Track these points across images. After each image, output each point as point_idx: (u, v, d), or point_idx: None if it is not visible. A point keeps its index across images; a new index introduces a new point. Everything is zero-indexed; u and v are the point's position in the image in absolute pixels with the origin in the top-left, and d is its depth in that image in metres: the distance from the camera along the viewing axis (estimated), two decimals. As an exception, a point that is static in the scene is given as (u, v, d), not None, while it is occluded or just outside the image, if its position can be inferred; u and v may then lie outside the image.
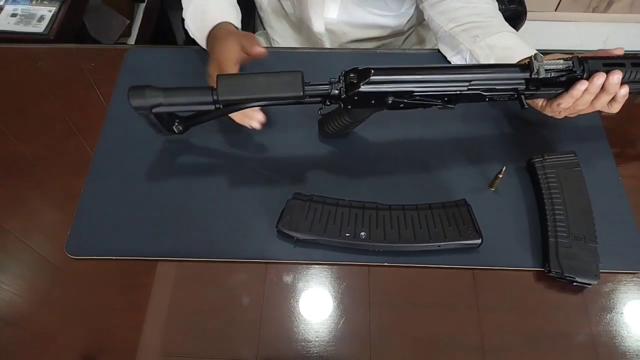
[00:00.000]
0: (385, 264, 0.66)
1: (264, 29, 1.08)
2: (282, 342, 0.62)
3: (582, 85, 0.61)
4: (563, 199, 0.68)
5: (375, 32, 0.95)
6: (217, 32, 0.74)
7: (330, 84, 0.63)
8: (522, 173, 0.73)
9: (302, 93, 0.60)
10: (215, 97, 0.61)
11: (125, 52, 0.87)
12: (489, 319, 0.63)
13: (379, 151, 0.75)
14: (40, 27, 1.06)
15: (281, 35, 1.04)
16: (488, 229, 0.66)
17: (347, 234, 0.66)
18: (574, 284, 0.64)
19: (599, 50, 0.66)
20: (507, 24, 0.80)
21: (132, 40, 1.48)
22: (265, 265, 0.67)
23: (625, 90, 0.63)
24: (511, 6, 1.00)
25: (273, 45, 1.06)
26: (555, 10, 2.02)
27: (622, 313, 0.63)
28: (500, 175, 0.69)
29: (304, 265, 0.67)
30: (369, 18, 0.92)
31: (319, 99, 0.64)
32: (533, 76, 0.61)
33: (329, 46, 0.97)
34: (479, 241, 0.65)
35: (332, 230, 0.66)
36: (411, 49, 1.03)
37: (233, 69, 0.68)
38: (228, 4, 0.79)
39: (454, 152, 0.75)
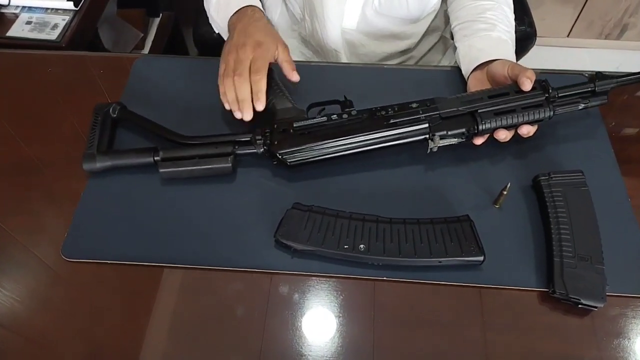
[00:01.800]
0: (385, 278, 0.65)
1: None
2: (277, 355, 0.60)
3: (477, 141, 0.72)
4: (569, 218, 0.66)
5: (393, 46, 0.95)
6: (246, 12, 0.77)
7: (252, 143, 0.71)
8: (527, 191, 0.72)
9: (232, 170, 0.72)
10: (156, 159, 0.72)
11: (134, 61, 0.88)
12: (491, 338, 0.61)
13: (381, 164, 0.75)
14: (54, 35, 1.09)
15: (291, 51, 1.04)
16: (491, 246, 0.65)
17: (345, 246, 0.64)
18: (579, 306, 0.61)
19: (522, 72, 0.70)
20: (506, 21, 0.83)
21: (146, 51, 1.50)
22: (261, 275, 0.65)
23: (525, 130, 0.71)
24: (521, 27, 1.00)
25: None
26: (568, 36, 2.03)
27: (629, 338, 0.61)
28: (505, 192, 0.68)
29: (302, 277, 0.65)
30: (389, 27, 0.92)
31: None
32: (433, 150, 0.71)
33: (344, 60, 0.97)
34: (481, 258, 0.63)
35: (331, 242, 0.65)
36: (428, 66, 1.02)
37: (270, 58, 0.74)
38: None
39: (458, 168, 0.74)
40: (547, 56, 1.97)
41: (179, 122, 0.79)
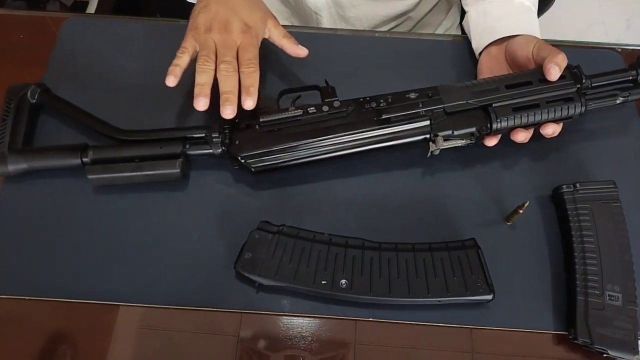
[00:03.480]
0: (370, 319, 0.53)
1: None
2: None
3: (489, 142, 0.58)
4: (597, 243, 0.54)
5: (389, 7, 0.78)
6: None
7: (208, 142, 0.57)
8: (546, 202, 0.59)
9: (181, 176, 0.57)
10: (84, 160, 0.57)
11: (62, 22, 0.70)
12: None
13: (369, 168, 0.60)
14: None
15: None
16: (501, 277, 0.53)
17: (323, 281, 0.52)
18: (605, 355, 0.51)
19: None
20: None
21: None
22: (218, 314, 0.53)
23: (550, 130, 0.57)
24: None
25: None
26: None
27: (662, 393, 0.51)
28: (521, 211, 0.55)
29: (268, 316, 0.53)
30: None
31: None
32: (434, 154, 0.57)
33: (327, 25, 0.80)
34: (489, 297, 0.52)
35: (305, 276, 0.52)
36: (429, 34, 0.84)
37: (259, 44, 0.58)
38: None
39: (462, 172, 0.61)
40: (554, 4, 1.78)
41: (118, 107, 0.64)
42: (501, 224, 0.58)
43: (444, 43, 0.71)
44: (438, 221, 0.58)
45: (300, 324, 0.53)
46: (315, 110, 0.57)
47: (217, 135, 0.57)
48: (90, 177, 0.56)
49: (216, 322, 0.53)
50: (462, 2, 0.72)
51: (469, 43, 0.68)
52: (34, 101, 0.61)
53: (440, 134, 0.56)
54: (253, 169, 0.56)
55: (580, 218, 0.56)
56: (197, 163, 0.60)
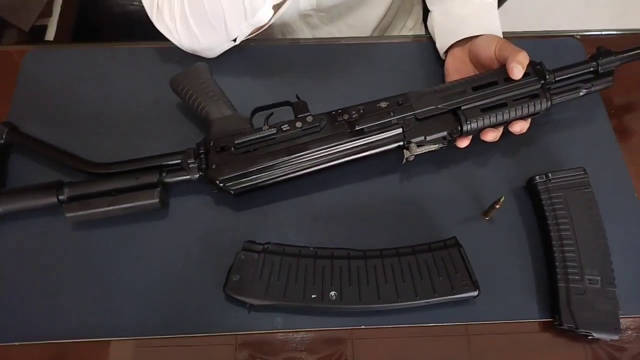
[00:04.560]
0: (363, 326, 0.54)
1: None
2: None
3: (461, 144, 0.60)
4: (573, 230, 0.56)
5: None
6: None
7: (184, 169, 0.57)
8: (521, 194, 0.61)
9: (160, 205, 0.57)
10: (60, 198, 0.56)
11: (24, 55, 0.69)
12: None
13: (348, 178, 0.61)
14: None
15: None
16: (483, 271, 0.54)
17: (313, 296, 0.52)
18: (590, 337, 0.53)
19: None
20: None
21: (54, 20, 1.25)
22: (213, 338, 0.53)
23: (519, 127, 0.59)
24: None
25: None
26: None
27: (646, 368, 0.53)
28: (498, 206, 0.56)
29: (262, 335, 0.54)
30: None
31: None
32: (409, 160, 0.58)
33: (306, 35, 0.80)
34: (475, 293, 0.53)
35: (294, 292, 0.53)
36: (397, 37, 0.86)
37: None
38: None
39: (439, 174, 0.62)
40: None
41: (89, 138, 0.63)
42: (480, 220, 0.59)
43: (410, 45, 0.72)
44: (419, 223, 0.59)
45: (295, 339, 0.54)
46: (289, 128, 0.57)
47: (193, 160, 0.57)
48: (68, 215, 0.55)
49: (211, 347, 0.53)
50: (426, 0, 0.73)
51: (434, 43, 0.69)
52: (2, 141, 0.60)
53: (413, 140, 0.57)
54: (232, 192, 0.56)
55: (555, 207, 0.57)
56: (176, 189, 0.60)
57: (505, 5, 0.96)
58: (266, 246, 0.55)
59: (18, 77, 0.67)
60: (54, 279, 0.55)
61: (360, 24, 0.81)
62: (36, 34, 1.23)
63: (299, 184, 0.59)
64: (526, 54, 0.56)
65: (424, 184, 0.61)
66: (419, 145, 0.57)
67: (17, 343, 0.52)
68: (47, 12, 1.26)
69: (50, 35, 1.19)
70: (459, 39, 0.63)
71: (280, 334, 0.54)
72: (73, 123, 0.64)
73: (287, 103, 0.59)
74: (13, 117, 0.64)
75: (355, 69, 0.69)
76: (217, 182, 0.56)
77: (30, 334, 0.53)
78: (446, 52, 0.66)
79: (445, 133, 0.57)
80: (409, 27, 0.90)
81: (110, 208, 0.56)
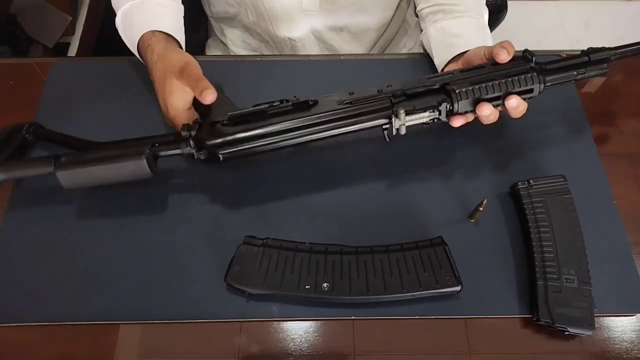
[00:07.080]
0: (352, 317, 0.58)
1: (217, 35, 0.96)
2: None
3: (455, 122, 0.60)
4: (552, 232, 0.60)
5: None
6: (154, 47, 0.64)
7: (178, 142, 0.60)
8: (506, 199, 0.65)
9: (151, 174, 0.59)
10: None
11: (48, 68, 0.75)
12: (472, 377, 0.55)
13: (341, 177, 0.66)
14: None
15: (233, 42, 0.92)
16: (468, 270, 0.58)
17: (307, 286, 0.57)
18: (566, 333, 0.56)
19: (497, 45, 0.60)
20: (480, 5, 0.74)
21: (76, 39, 1.33)
22: (211, 325, 0.57)
23: (515, 102, 0.59)
24: (491, 1, 0.90)
25: (231, 53, 0.94)
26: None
27: (620, 363, 0.56)
28: (481, 209, 0.61)
29: (259, 323, 0.58)
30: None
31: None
32: (400, 132, 0.59)
33: (308, 52, 0.86)
34: (457, 288, 0.57)
35: (290, 283, 0.57)
36: (395, 54, 0.91)
37: (189, 117, 0.62)
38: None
39: (428, 177, 0.66)
40: (515, 10, 1.87)
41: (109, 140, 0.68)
42: (466, 222, 0.63)
43: (407, 61, 0.78)
44: (409, 224, 0.63)
45: (289, 327, 0.57)
46: (279, 104, 0.60)
47: (185, 132, 0.59)
48: (58, 173, 0.58)
49: (214, 333, 0.57)
50: (420, 21, 0.78)
51: (430, 60, 0.74)
52: (31, 137, 0.66)
53: (402, 110, 0.57)
54: (220, 156, 0.58)
55: (536, 211, 0.61)
56: (181, 187, 0.65)
57: (504, 27, 1.01)
58: (265, 240, 0.59)
59: (44, 86, 0.74)
60: (64, 266, 0.60)
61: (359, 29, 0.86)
62: (60, 50, 1.32)
63: (297, 185, 0.64)
64: (511, 42, 0.59)
65: (413, 186, 0.65)
66: (408, 113, 0.58)
67: (32, 324, 0.57)
68: (70, 31, 1.35)
69: (72, 52, 1.27)
70: (458, 52, 0.67)
71: (275, 323, 0.58)
72: (93, 128, 0.70)
73: (286, 100, 0.61)
74: (39, 121, 0.70)
75: (354, 84, 0.74)
76: (206, 144, 0.58)
77: (45, 315, 0.57)
78: (443, 68, 0.70)
79: (435, 102, 0.59)
80: (409, 47, 0.95)
81: (98, 166, 0.58)
